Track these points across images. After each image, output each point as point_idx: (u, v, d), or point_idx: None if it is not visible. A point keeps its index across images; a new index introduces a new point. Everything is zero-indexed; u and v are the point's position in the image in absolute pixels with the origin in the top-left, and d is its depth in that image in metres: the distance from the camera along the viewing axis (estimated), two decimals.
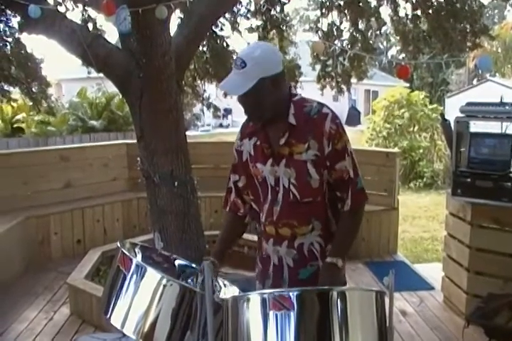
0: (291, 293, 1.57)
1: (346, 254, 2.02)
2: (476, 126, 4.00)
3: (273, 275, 2.10)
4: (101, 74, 4.30)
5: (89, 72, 5.37)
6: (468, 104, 3.85)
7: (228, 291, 2.13)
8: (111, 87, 5.03)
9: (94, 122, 13.71)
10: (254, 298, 1.63)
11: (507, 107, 3.61)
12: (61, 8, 4.48)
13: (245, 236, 4.85)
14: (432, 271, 4.90)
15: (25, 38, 5.34)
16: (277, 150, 1.99)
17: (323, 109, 1.97)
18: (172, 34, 3.99)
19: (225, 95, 6.55)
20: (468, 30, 5.45)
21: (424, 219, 8.68)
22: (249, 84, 1.85)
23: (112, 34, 5.12)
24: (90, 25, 4.91)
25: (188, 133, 4.51)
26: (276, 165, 1.99)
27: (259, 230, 2.17)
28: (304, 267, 2.04)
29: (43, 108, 7.02)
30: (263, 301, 1.58)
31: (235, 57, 1.94)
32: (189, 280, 2.14)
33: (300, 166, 1.96)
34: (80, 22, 4.61)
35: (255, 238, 2.26)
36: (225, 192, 2.25)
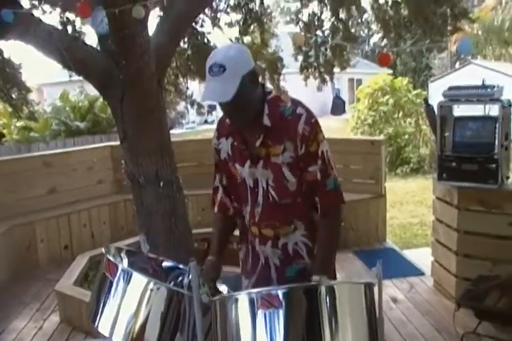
0: (278, 291, 1.57)
1: (330, 267, 2.00)
2: (460, 110, 4.01)
3: (259, 274, 2.10)
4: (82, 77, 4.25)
5: (70, 76, 5.30)
6: (451, 88, 3.85)
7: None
8: (93, 90, 4.98)
9: (78, 124, 13.59)
10: (242, 298, 1.62)
11: (489, 90, 3.63)
12: (37, 12, 4.41)
13: (235, 232, 4.85)
14: (422, 256, 4.92)
15: (2, 44, 5.25)
16: (254, 151, 1.96)
17: (298, 108, 1.92)
18: (151, 33, 3.94)
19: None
20: (448, 14, 5.45)
21: (412, 205, 8.73)
22: (234, 86, 1.78)
23: (92, 36, 5.07)
24: (70, 28, 4.84)
25: (173, 131, 4.49)
26: (254, 166, 1.98)
27: (242, 228, 2.15)
28: (290, 265, 2.03)
29: (24, 114, 6.94)
30: (251, 301, 1.57)
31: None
32: (178, 281, 2.13)
33: (276, 169, 1.94)
34: (59, 25, 4.54)
35: None
36: (211, 191, 2.21)
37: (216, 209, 2.19)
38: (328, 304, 1.56)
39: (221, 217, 2.18)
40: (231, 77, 1.78)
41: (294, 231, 2.00)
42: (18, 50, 5.57)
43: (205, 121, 24.37)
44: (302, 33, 6.05)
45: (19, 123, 13.10)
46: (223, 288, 2.15)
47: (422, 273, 4.56)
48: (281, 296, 1.54)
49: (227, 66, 1.78)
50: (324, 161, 1.94)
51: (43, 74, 21.54)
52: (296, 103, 1.95)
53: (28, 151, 10.87)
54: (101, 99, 12.96)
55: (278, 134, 1.91)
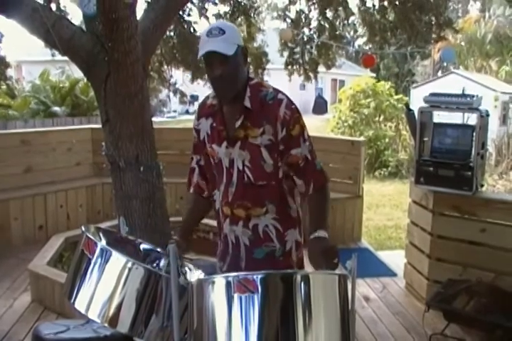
0: (255, 276, 1.57)
1: (326, 225, 2.00)
2: (440, 118, 4.08)
3: (231, 253, 2.13)
4: (65, 58, 4.20)
5: (53, 55, 5.23)
6: (432, 94, 3.93)
7: (193, 275, 2.13)
8: (76, 72, 4.91)
9: (57, 107, 13.39)
10: (219, 280, 1.63)
11: (468, 99, 3.71)
12: None
13: (211, 222, 4.85)
14: (395, 258, 5.00)
15: None
16: (233, 132, 2.01)
17: (279, 95, 2.00)
18: (139, 18, 3.92)
19: (192, 81, 6.55)
20: (433, 23, 5.56)
21: (388, 208, 8.82)
22: (233, 47, 1.87)
23: (75, 16, 5.00)
24: (53, 6, 4.77)
25: (154, 119, 4.46)
26: (230, 147, 2.02)
27: (217, 209, 2.18)
28: (259, 247, 2.07)
29: (1, 89, 6.81)
30: (227, 284, 1.58)
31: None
32: (154, 265, 2.14)
33: (254, 150, 1.99)
34: (42, 2, 4.47)
35: None
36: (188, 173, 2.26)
37: (192, 189, 2.26)
38: (302, 292, 1.58)
39: (196, 198, 2.25)
40: (229, 40, 1.87)
41: (265, 214, 2.05)
42: None
43: (187, 111, 24.23)
44: (290, 29, 6.10)
45: None
46: (199, 273, 2.17)
47: (395, 274, 4.64)
48: (257, 281, 1.55)
49: (226, 30, 1.87)
50: (311, 144, 2.02)
51: (21, 51, 21.02)
52: (277, 90, 2.03)
53: (4, 128, 10.70)
54: (83, 82, 12.82)
55: (257, 117, 1.97)
